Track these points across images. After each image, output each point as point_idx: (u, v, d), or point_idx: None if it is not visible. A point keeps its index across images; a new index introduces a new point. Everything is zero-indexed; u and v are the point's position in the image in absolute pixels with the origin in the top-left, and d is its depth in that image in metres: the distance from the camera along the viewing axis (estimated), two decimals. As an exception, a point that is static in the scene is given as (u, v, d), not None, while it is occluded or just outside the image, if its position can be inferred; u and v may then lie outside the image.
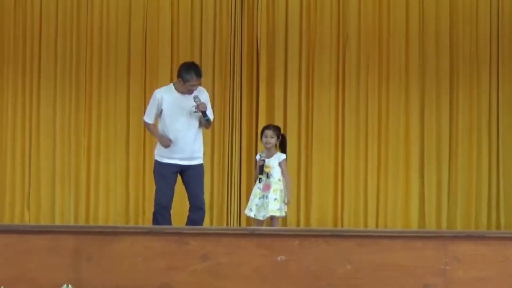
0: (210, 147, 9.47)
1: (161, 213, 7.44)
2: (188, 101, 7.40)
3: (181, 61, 8.08)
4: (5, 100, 9.75)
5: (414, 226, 9.57)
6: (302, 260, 5.60)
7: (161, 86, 7.89)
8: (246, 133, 9.71)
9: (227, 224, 9.51)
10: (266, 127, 7.84)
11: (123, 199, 9.69)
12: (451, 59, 9.79)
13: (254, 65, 9.79)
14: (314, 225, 9.56)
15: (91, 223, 9.50)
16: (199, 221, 7.43)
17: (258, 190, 7.61)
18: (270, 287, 5.58)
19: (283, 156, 7.66)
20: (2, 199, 9.68)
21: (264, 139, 7.71)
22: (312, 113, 9.75)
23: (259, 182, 7.59)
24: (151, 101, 7.57)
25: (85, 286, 5.54)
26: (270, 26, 9.79)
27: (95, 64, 9.75)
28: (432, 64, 9.78)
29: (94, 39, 9.76)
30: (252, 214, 7.64)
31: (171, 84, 7.65)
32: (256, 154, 8.21)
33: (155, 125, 7.62)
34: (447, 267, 5.60)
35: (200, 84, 7.54)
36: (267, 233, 5.76)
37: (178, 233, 5.68)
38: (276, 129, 7.79)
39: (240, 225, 9.37)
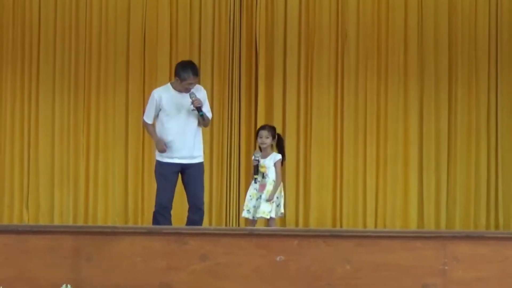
0: (209, 146, 9.45)
1: (162, 213, 7.43)
2: (186, 100, 7.39)
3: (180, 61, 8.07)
4: (3, 100, 9.74)
5: (413, 226, 9.56)
6: (301, 260, 5.60)
7: (160, 86, 7.88)
8: (244, 132, 9.70)
9: (226, 224, 9.50)
10: (261, 128, 7.79)
11: (122, 199, 9.69)
12: (450, 58, 9.78)
13: (252, 65, 9.79)
14: (313, 225, 9.55)
15: (90, 223, 9.49)
16: (198, 221, 7.42)
17: (255, 191, 7.54)
18: (269, 287, 5.58)
19: (278, 156, 7.59)
20: (1, 199, 9.67)
21: (259, 139, 7.65)
22: (310, 113, 9.74)
23: (255, 182, 7.55)
24: (149, 101, 7.56)
25: (85, 286, 5.54)
26: (269, 25, 9.79)
27: (94, 64, 9.74)
28: (431, 63, 9.77)
29: (92, 39, 9.75)
30: (250, 216, 7.55)
31: (169, 83, 7.64)
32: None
33: (154, 126, 7.61)
34: (446, 267, 5.60)
35: (198, 83, 7.53)
36: (266, 233, 5.76)
37: (177, 233, 5.68)
38: (272, 129, 7.73)
39: (239, 225, 9.36)
